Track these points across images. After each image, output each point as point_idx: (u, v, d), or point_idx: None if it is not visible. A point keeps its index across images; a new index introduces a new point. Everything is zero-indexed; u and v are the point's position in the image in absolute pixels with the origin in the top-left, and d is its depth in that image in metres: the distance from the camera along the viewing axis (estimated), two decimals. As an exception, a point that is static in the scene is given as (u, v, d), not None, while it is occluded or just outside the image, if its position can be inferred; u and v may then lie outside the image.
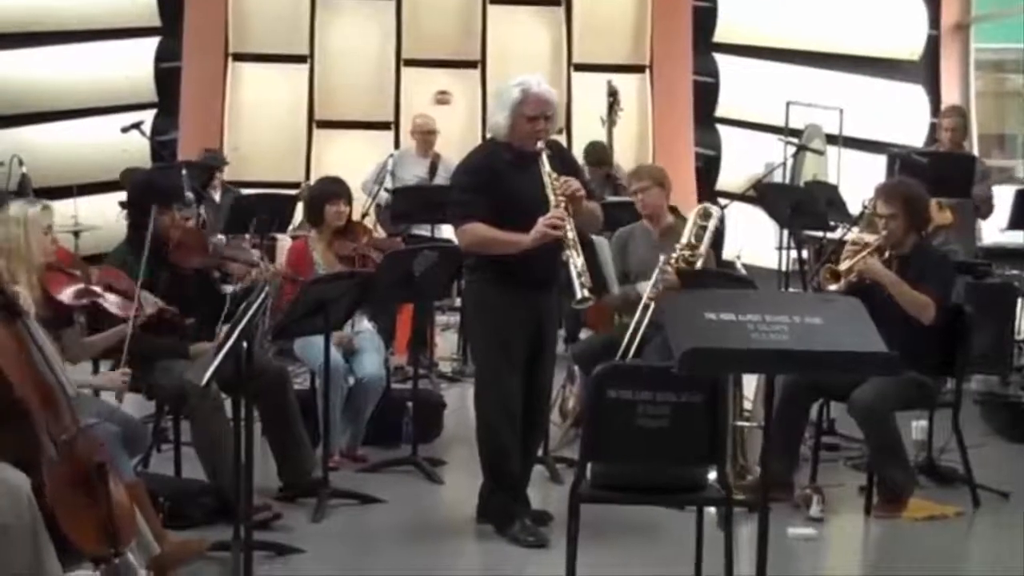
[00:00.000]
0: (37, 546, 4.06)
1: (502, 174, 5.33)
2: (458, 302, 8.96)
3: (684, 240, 6.50)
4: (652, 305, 6.29)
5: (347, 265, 6.77)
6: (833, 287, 5.94)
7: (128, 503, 4.42)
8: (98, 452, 4.35)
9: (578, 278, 5.07)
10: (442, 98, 12.33)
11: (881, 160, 9.24)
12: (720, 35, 12.64)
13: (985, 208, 8.66)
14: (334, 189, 6.99)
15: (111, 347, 5.39)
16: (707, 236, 6.54)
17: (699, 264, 6.45)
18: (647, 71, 12.55)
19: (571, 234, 5.14)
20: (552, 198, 5.20)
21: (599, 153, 9.73)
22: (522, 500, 5.50)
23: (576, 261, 5.10)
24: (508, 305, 5.35)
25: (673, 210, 7.03)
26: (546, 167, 5.25)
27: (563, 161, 5.46)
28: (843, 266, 5.95)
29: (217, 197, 9.70)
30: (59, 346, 4.94)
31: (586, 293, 5.08)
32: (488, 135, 5.59)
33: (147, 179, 6.34)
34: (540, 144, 5.29)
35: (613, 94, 9.96)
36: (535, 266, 5.28)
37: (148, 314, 5.40)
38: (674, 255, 6.43)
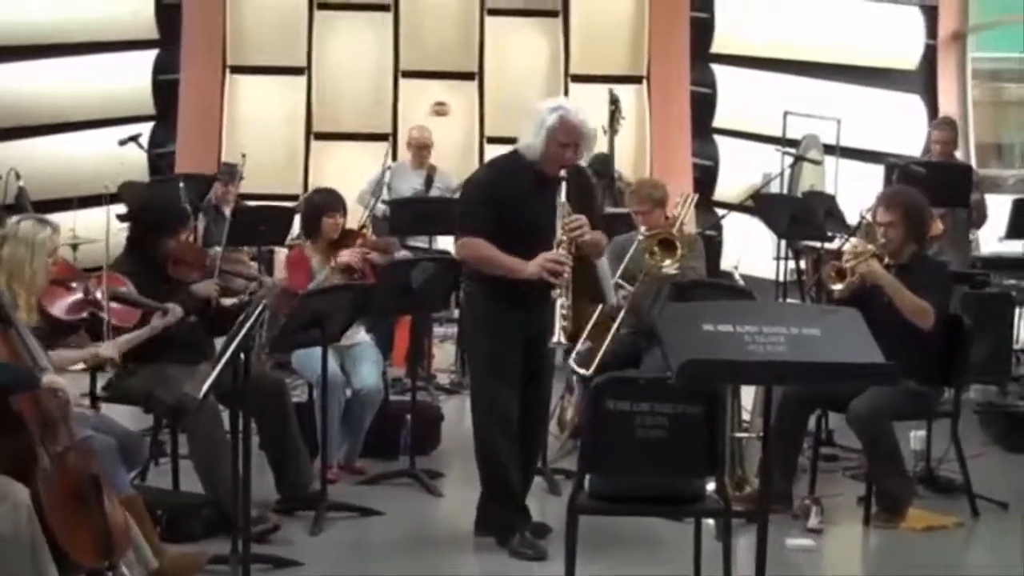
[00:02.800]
0: (36, 559, 4.07)
1: (517, 193, 5.31)
2: (456, 313, 8.95)
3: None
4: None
5: (345, 271, 6.79)
6: (838, 286, 5.93)
7: (122, 516, 4.42)
8: (92, 464, 4.35)
9: (561, 320, 5.11)
10: (440, 109, 12.34)
11: (879, 170, 9.25)
12: (717, 46, 12.64)
13: (978, 215, 8.67)
14: (331, 202, 6.97)
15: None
16: (681, 208, 7.00)
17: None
18: (645, 82, 12.55)
19: (567, 275, 5.16)
20: (559, 232, 5.21)
21: (603, 167, 9.72)
22: (522, 512, 5.50)
23: (563, 303, 5.13)
24: (506, 318, 5.35)
25: (667, 220, 7.05)
26: (562, 196, 5.26)
27: (580, 187, 5.45)
28: (846, 265, 5.95)
29: (227, 211, 9.65)
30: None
31: (563, 339, 5.14)
32: (514, 149, 5.50)
33: (154, 200, 6.33)
34: (562, 172, 5.28)
35: (615, 103, 9.94)
36: (534, 280, 5.27)
37: (168, 323, 5.46)
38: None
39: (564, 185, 5.28)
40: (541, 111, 5.34)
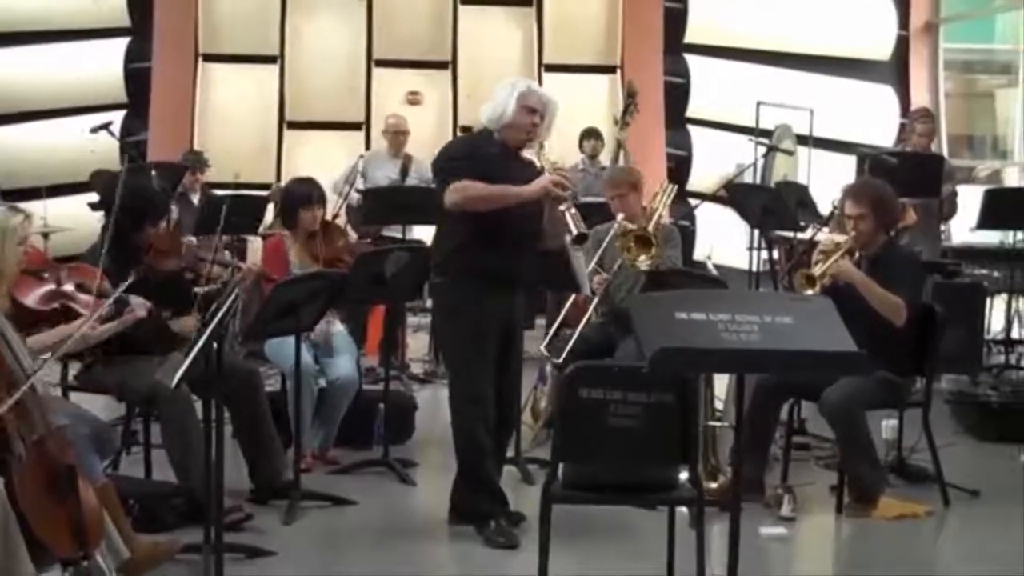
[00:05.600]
0: (9, 545, 4.04)
1: (490, 162, 5.33)
2: (429, 303, 8.94)
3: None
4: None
5: (322, 264, 6.77)
6: (809, 292, 5.92)
7: (97, 505, 4.39)
8: (68, 453, 4.33)
9: (574, 220, 5.16)
10: (413, 99, 12.33)
11: (851, 160, 9.28)
12: (691, 36, 12.67)
13: (948, 208, 8.72)
14: (309, 194, 6.88)
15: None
16: (660, 200, 6.87)
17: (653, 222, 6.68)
18: (618, 72, 12.57)
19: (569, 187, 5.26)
20: (547, 168, 5.30)
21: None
22: (498, 499, 5.51)
23: (572, 208, 5.20)
24: (476, 306, 5.35)
25: (644, 210, 7.05)
26: (545, 153, 5.36)
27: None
28: (816, 270, 5.92)
29: (195, 200, 9.62)
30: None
31: (583, 228, 5.20)
32: (481, 124, 5.54)
33: (137, 189, 6.29)
34: (536, 142, 5.36)
35: (632, 96, 9.83)
36: (505, 264, 5.31)
37: (138, 316, 5.40)
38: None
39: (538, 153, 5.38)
40: (504, 85, 5.44)
